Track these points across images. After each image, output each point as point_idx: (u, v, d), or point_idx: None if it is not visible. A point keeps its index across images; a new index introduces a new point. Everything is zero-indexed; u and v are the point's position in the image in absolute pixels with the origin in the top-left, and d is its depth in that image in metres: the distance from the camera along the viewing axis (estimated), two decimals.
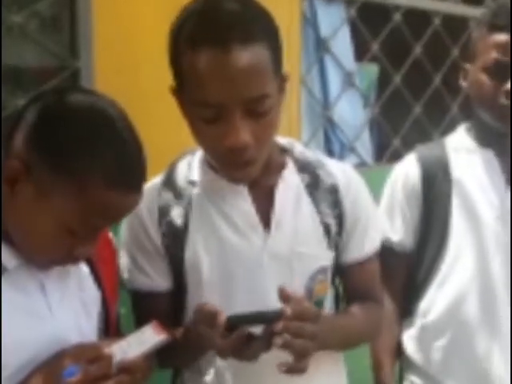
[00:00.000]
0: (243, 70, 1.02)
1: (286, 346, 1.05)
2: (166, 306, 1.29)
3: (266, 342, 1.07)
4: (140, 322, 1.27)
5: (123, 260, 1.27)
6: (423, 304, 1.57)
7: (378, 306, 1.36)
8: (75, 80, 1.91)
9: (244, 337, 1.07)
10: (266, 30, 1.06)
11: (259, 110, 1.06)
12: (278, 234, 1.21)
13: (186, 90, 1.08)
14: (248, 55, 1.01)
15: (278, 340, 1.04)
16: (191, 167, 1.24)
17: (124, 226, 1.27)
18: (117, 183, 0.96)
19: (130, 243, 1.27)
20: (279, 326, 1.04)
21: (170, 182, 1.25)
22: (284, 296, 1.08)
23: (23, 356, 0.98)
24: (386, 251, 1.49)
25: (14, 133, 0.98)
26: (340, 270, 1.33)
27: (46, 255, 1.01)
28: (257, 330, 1.09)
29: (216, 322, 1.06)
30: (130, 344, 1.02)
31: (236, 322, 1.07)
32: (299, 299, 1.10)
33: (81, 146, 0.95)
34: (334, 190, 1.25)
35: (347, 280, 1.35)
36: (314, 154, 1.31)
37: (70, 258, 1.03)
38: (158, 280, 1.26)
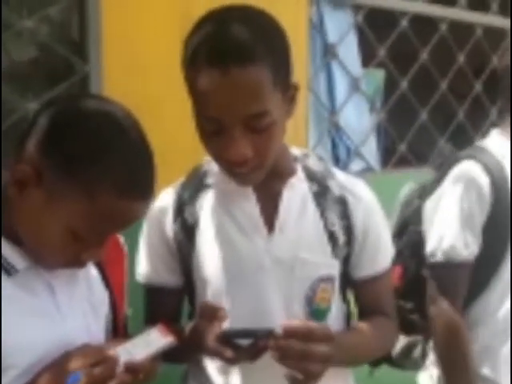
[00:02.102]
0: (241, 91, 1.05)
1: (295, 367, 1.07)
2: (177, 302, 1.36)
3: (251, 354, 1.10)
4: (150, 317, 1.33)
5: (140, 255, 1.33)
6: (484, 310, 1.57)
7: (388, 321, 1.35)
8: (85, 84, 1.93)
9: (231, 346, 1.10)
10: (268, 50, 1.07)
11: (259, 126, 1.09)
12: (281, 237, 1.23)
13: (193, 100, 1.13)
14: (246, 76, 1.04)
15: (273, 356, 1.06)
16: (209, 170, 1.29)
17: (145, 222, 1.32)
18: (127, 192, 0.97)
19: (145, 239, 1.33)
20: (270, 343, 1.06)
21: (188, 184, 1.31)
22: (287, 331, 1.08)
23: (31, 356, 0.99)
24: (449, 263, 1.51)
25: (27, 138, 0.99)
26: (351, 285, 1.34)
27: (53, 259, 1.02)
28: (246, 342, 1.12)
29: (216, 316, 1.11)
30: (136, 346, 1.03)
31: (229, 336, 1.10)
32: (306, 322, 1.11)
33: (93, 154, 0.96)
34: (342, 202, 1.26)
35: (359, 295, 1.35)
36: (327, 166, 1.33)
37: (77, 263, 1.04)
38: (167, 277, 1.31)
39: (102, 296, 1.16)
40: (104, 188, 0.96)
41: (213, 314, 1.13)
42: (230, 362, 1.11)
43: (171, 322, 1.17)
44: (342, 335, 1.25)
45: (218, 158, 1.15)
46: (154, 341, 1.05)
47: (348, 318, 1.36)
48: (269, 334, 1.07)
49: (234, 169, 1.15)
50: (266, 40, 1.08)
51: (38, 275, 1.04)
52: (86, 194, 0.96)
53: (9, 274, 1.00)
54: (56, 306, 1.05)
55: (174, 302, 1.36)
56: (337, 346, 1.13)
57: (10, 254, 1.01)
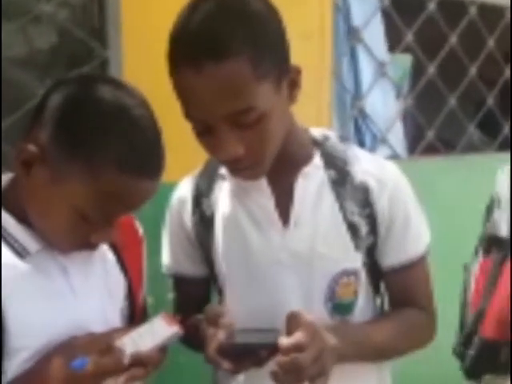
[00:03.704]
0: (218, 89, 0.97)
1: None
2: (203, 291, 1.34)
3: (252, 364, 1.05)
4: (178, 307, 1.34)
5: (163, 245, 1.32)
6: None
7: (420, 313, 1.25)
8: (104, 69, 1.91)
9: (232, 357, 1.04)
10: (247, 39, 0.97)
11: (246, 122, 1.01)
12: (298, 231, 1.17)
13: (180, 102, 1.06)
14: (221, 72, 0.96)
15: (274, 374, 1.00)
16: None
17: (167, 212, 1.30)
18: (129, 168, 0.95)
19: (167, 229, 1.31)
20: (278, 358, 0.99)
21: (206, 173, 1.27)
22: (292, 323, 1.02)
23: (44, 338, 0.98)
24: None
25: (35, 119, 0.98)
26: (382, 276, 1.26)
27: (62, 240, 1.01)
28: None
29: (219, 323, 1.05)
30: (142, 335, 1.01)
31: (229, 349, 1.03)
32: (310, 327, 1.02)
33: (95, 132, 0.94)
34: (365, 189, 1.18)
35: (388, 286, 1.27)
36: (349, 148, 1.23)
37: (87, 245, 1.03)
38: (189, 266, 1.30)
39: (118, 280, 1.15)
40: (106, 165, 0.94)
41: (216, 320, 1.06)
42: (230, 372, 1.05)
43: (180, 313, 1.16)
44: (354, 328, 1.19)
45: (214, 157, 1.10)
46: (159, 331, 1.02)
47: (381, 309, 1.30)
48: (271, 348, 1.01)
49: (230, 166, 1.10)
50: (244, 29, 0.98)
51: (51, 258, 1.03)
52: (89, 172, 0.94)
53: (21, 256, 0.99)
54: (70, 288, 1.04)
55: (200, 291, 1.34)
56: (344, 339, 1.08)
57: (23, 236, 1.00)
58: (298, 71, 1.08)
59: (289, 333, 1.02)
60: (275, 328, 1.04)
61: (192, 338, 1.14)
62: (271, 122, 1.04)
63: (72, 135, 0.95)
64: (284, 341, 0.99)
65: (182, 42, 0.99)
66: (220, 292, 1.30)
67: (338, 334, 1.07)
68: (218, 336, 1.03)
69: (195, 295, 1.33)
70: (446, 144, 2.99)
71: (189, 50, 0.97)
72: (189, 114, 1.04)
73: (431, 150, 2.92)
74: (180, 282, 1.33)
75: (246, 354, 1.04)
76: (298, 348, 0.98)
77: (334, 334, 1.06)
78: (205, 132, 1.04)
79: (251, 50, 0.97)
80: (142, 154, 0.97)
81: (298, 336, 0.99)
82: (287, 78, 1.06)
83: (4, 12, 1.74)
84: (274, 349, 1.00)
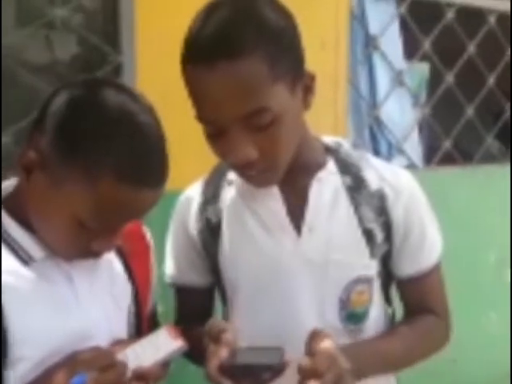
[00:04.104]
0: (231, 89, 0.95)
1: None
2: (206, 302, 1.30)
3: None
4: (179, 317, 1.30)
5: (166, 254, 1.29)
6: None
7: (435, 318, 1.23)
8: (118, 74, 1.91)
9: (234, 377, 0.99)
10: (262, 39, 0.96)
11: (259, 124, 0.99)
12: (311, 238, 1.14)
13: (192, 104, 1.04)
14: (235, 72, 0.94)
15: None
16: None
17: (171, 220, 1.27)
18: (129, 178, 0.91)
19: (171, 238, 1.28)
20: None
21: (212, 180, 1.24)
22: (312, 346, 0.99)
23: (46, 348, 0.96)
24: None
25: (38, 122, 0.95)
26: (395, 284, 1.24)
27: (63, 247, 0.99)
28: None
29: (222, 340, 1.00)
30: (145, 349, 0.98)
31: (231, 370, 0.98)
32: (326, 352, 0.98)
33: (95, 138, 0.91)
34: (380, 196, 1.15)
35: (403, 295, 1.25)
36: (363, 155, 1.22)
37: (89, 253, 1.00)
38: (193, 276, 1.27)
39: (124, 288, 1.12)
40: (104, 173, 0.90)
41: (218, 336, 1.02)
42: None
43: (182, 325, 1.11)
44: (371, 343, 1.16)
45: (225, 161, 1.07)
46: (163, 345, 1.00)
47: (392, 318, 1.27)
48: (274, 369, 0.97)
49: (242, 171, 1.07)
50: (259, 29, 0.96)
51: (56, 265, 1.01)
52: (87, 179, 0.91)
53: (25, 263, 0.97)
54: (75, 296, 1.02)
55: (202, 301, 1.30)
56: (365, 356, 1.06)
57: (27, 242, 0.98)
58: (312, 77, 1.06)
59: (308, 352, 0.99)
60: (279, 347, 1.00)
61: (194, 351, 1.08)
62: (285, 126, 1.01)
63: (70, 140, 0.92)
64: (303, 362, 0.95)
65: (196, 43, 0.97)
66: (225, 302, 1.27)
67: (356, 356, 1.04)
68: (220, 354, 0.99)
69: (199, 306, 1.30)
70: (463, 154, 2.96)
71: (203, 49, 0.95)
72: (201, 115, 1.01)
73: (448, 159, 2.89)
74: (183, 292, 1.30)
75: (248, 375, 0.99)
76: (315, 374, 0.95)
77: (353, 357, 1.02)
78: (216, 134, 1.01)
79: (266, 50, 0.95)
80: (142, 162, 0.93)
81: (318, 362, 0.96)
82: (302, 82, 1.04)
83: (18, 17, 1.75)
84: (277, 370, 0.97)
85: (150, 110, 0.98)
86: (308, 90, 1.06)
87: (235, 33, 0.95)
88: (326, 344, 0.99)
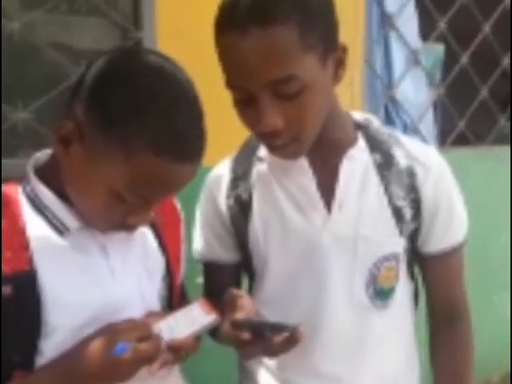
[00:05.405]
0: (261, 54, 0.95)
1: None
2: (234, 278, 1.31)
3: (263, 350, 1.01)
4: (207, 293, 1.30)
5: (196, 229, 1.30)
6: None
7: (461, 329, 1.26)
8: None
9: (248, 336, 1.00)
10: (296, 6, 0.97)
11: (288, 92, 0.99)
12: (341, 214, 1.14)
13: (222, 69, 1.05)
14: (268, 36, 0.94)
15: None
16: (262, 143, 1.19)
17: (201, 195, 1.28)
18: (166, 150, 0.90)
19: (200, 214, 1.28)
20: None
21: (241, 157, 1.25)
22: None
23: (80, 317, 0.97)
24: None
25: (73, 96, 0.95)
26: (419, 262, 1.25)
27: (99, 220, 0.99)
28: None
29: (237, 303, 1.04)
30: (178, 322, 1.00)
31: (241, 326, 1.00)
32: None
33: (131, 110, 0.89)
34: (410, 173, 1.16)
35: (427, 273, 1.26)
36: (392, 132, 1.22)
37: (124, 227, 1.00)
38: (221, 253, 1.27)
39: (157, 260, 1.12)
40: (141, 146, 0.89)
41: (234, 301, 1.05)
42: (245, 352, 1.03)
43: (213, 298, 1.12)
44: None
45: (252, 129, 1.07)
46: (196, 318, 1.01)
47: (416, 296, 1.29)
48: (279, 330, 0.98)
49: (268, 141, 1.07)
50: None
51: (91, 236, 1.02)
52: (124, 153, 0.90)
53: (60, 232, 0.98)
54: (109, 267, 1.03)
55: (230, 277, 1.30)
56: None
57: (62, 212, 0.99)
58: (345, 49, 1.06)
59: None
60: (296, 325, 0.99)
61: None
62: (313, 97, 1.01)
63: (106, 113, 0.90)
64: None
65: (230, 8, 0.98)
66: (253, 279, 1.28)
67: None
68: (234, 316, 1.02)
69: (226, 282, 1.27)
70: (476, 135, 2.96)
71: (236, 14, 0.96)
72: (230, 81, 1.02)
73: (462, 140, 2.89)
74: (211, 268, 1.30)
75: (255, 332, 0.99)
76: None
77: None
78: (245, 101, 1.02)
79: (299, 19, 0.96)
80: (179, 136, 0.91)
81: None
82: (334, 55, 1.04)
83: None
84: (280, 330, 0.98)
85: (189, 82, 0.97)
86: (340, 62, 1.06)
87: (271, 2, 0.95)
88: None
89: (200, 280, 1.34)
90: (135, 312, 1.03)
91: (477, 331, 1.28)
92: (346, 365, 1.18)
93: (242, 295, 1.07)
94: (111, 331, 0.95)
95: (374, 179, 1.16)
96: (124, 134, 0.90)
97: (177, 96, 0.92)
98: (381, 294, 1.18)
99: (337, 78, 1.07)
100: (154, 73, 0.93)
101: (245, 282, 1.33)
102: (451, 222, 1.21)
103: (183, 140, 0.92)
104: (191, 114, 0.95)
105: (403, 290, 1.22)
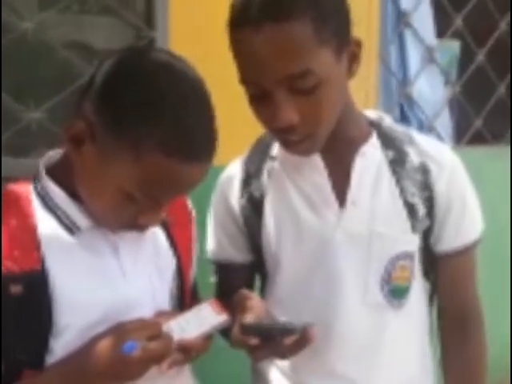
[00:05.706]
0: (276, 50, 0.95)
1: None
2: (246, 278, 1.30)
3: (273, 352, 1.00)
4: (220, 293, 1.29)
5: (208, 230, 1.29)
6: None
7: (473, 330, 1.24)
8: None
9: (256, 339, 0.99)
10: (309, 2, 0.96)
11: (304, 87, 0.98)
12: (354, 211, 1.14)
13: (236, 65, 1.05)
14: (281, 32, 0.95)
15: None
16: (274, 142, 1.20)
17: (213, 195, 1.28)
18: (175, 151, 0.89)
19: (212, 214, 1.28)
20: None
21: (253, 156, 1.24)
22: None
23: (90, 317, 0.97)
24: None
25: (84, 95, 0.95)
26: (433, 260, 1.23)
27: (110, 219, 0.99)
28: None
29: (246, 305, 1.03)
30: (189, 322, 0.99)
31: (250, 330, 0.99)
32: None
33: (141, 110, 0.89)
34: (424, 170, 1.15)
35: (438, 271, 1.24)
36: (405, 129, 1.22)
37: (135, 226, 1.00)
38: (234, 253, 1.27)
39: (168, 260, 1.12)
40: (151, 147, 0.89)
41: (244, 303, 1.04)
42: (256, 355, 1.02)
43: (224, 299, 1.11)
44: None
45: (266, 126, 1.07)
46: (207, 318, 1.01)
47: (431, 295, 1.27)
48: (288, 332, 0.96)
49: (283, 137, 1.06)
50: None
51: (102, 235, 1.02)
52: (133, 154, 0.90)
53: (71, 231, 0.98)
54: (120, 266, 1.03)
55: (242, 278, 1.29)
56: None
57: (73, 211, 0.99)
58: (359, 44, 1.05)
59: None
60: (306, 324, 0.97)
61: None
62: (328, 92, 1.01)
63: (115, 113, 0.90)
64: None
65: (245, 5, 0.98)
66: (265, 278, 1.27)
67: None
68: (244, 319, 1.00)
69: (238, 282, 1.26)
70: (492, 133, 2.93)
71: (250, 10, 0.96)
72: (245, 77, 1.02)
73: (478, 139, 2.86)
74: (223, 268, 1.30)
75: (264, 336, 0.98)
76: None
77: None
78: (260, 97, 1.02)
79: (313, 14, 0.96)
80: (190, 137, 0.91)
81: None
82: (348, 49, 1.04)
83: None
84: (289, 332, 0.96)
85: (199, 81, 0.96)
86: (354, 57, 1.05)
87: None
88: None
89: (213, 280, 1.33)
90: (146, 312, 1.03)
91: (487, 321, 1.26)
92: (359, 365, 1.17)
93: (251, 296, 1.07)
94: (121, 330, 0.95)
95: (387, 176, 1.15)
96: (133, 134, 0.89)
97: (186, 93, 0.92)
98: (396, 292, 1.16)
99: (351, 72, 1.06)
100: (163, 70, 0.92)
101: (257, 283, 1.32)
102: (464, 220, 1.20)
103: (192, 140, 0.91)
104: (201, 113, 0.94)
105: (418, 289, 1.21)
